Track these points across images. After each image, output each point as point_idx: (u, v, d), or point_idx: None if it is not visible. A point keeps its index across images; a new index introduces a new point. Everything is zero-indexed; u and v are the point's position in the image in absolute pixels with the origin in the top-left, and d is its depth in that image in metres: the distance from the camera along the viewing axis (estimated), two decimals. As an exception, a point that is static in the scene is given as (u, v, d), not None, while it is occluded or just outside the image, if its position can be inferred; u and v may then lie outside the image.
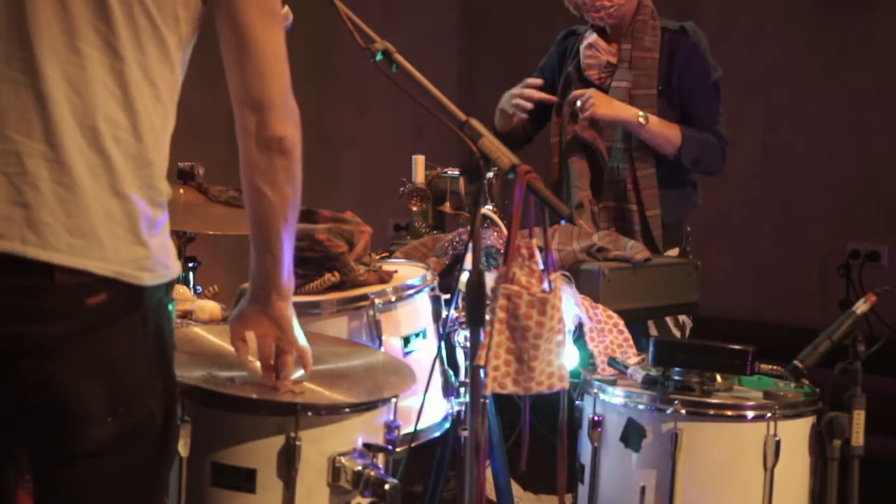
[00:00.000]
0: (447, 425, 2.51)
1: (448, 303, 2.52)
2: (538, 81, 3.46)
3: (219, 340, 2.12)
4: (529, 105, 3.40)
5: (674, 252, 3.40)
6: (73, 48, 1.61)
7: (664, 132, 3.27)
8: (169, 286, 1.73)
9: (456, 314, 2.52)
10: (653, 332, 3.27)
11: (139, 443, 1.70)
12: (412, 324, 2.47)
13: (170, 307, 1.74)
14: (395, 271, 2.59)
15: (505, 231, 2.68)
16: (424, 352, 2.47)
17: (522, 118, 3.44)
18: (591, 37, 3.44)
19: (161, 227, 1.70)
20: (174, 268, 1.73)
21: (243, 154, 1.80)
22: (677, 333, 3.32)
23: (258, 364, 2.00)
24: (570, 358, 2.44)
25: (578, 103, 3.26)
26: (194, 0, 1.70)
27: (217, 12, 1.75)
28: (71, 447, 1.65)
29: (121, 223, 1.63)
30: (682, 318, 3.34)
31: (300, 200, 1.85)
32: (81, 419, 1.64)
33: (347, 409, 1.98)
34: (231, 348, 2.00)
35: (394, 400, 2.07)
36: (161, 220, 1.70)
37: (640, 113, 3.24)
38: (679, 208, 3.42)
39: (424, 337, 2.49)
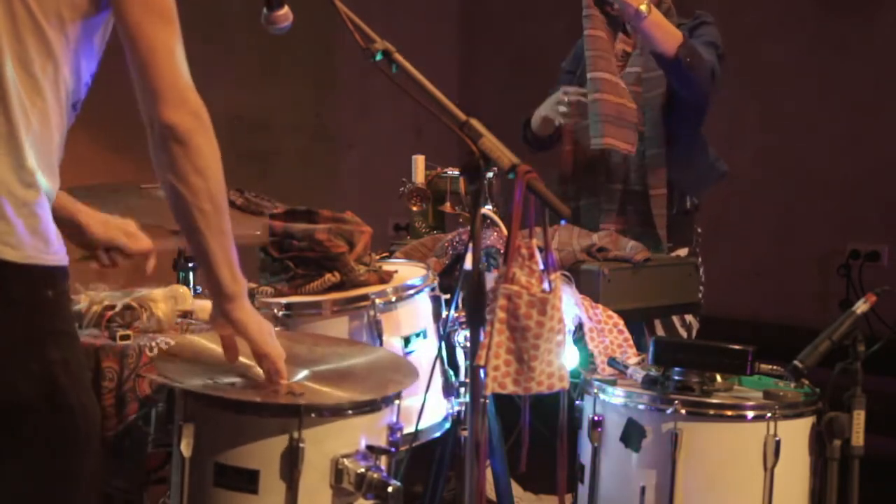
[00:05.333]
0: (447, 425, 2.52)
1: (448, 303, 2.52)
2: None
3: (218, 347, 2.12)
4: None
5: (683, 252, 3.40)
6: None
7: (667, 26, 3.20)
8: (50, 274, 1.73)
9: (456, 314, 2.52)
10: (659, 332, 3.28)
11: (13, 427, 1.70)
12: (412, 324, 2.47)
13: (49, 293, 1.73)
14: (396, 271, 2.59)
15: (505, 231, 2.69)
16: (425, 352, 2.47)
17: (570, 121, 3.40)
18: None
19: (36, 208, 1.72)
20: (56, 258, 1.74)
21: (151, 155, 1.82)
22: (684, 334, 3.33)
23: (259, 369, 2.00)
24: (570, 358, 2.44)
25: None
26: (82, 3, 1.75)
27: (114, 18, 1.80)
28: None
29: None
30: (688, 318, 3.35)
31: (220, 194, 1.84)
32: None
33: (350, 411, 1.98)
34: None
35: (397, 402, 2.07)
36: (35, 202, 1.72)
37: (647, 3, 3.15)
38: (696, 184, 3.43)
39: (425, 337, 2.49)
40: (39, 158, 1.74)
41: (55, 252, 1.75)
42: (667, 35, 3.18)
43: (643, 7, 3.13)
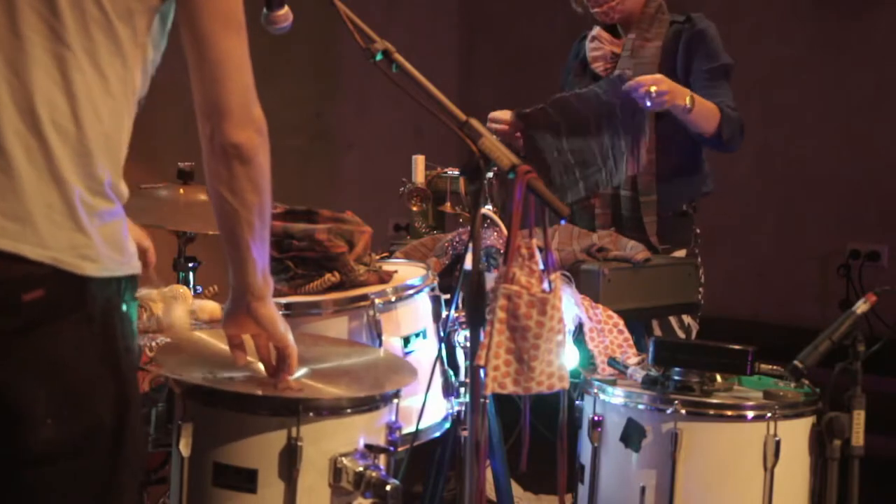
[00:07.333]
0: (447, 425, 2.52)
1: (448, 303, 2.52)
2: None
3: (220, 343, 2.13)
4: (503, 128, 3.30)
5: (681, 253, 3.39)
6: (14, 31, 1.59)
7: (707, 110, 3.22)
8: (123, 284, 1.66)
9: (456, 314, 2.52)
10: (657, 334, 3.27)
11: (90, 448, 1.63)
12: (412, 324, 2.47)
13: (124, 307, 1.66)
14: (395, 271, 2.59)
15: (505, 231, 2.69)
16: (424, 352, 2.47)
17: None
18: (595, 30, 3.46)
19: (108, 218, 1.65)
20: (129, 265, 1.67)
21: (205, 162, 1.79)
22: (682, 336, 3.32)
23: (259, 365, 2.00)
24: (570, 358, 2.44)
25: (652, 89, 3.09)
26: None
27: (179, 18, 1.73)
28: (16, 451, 1.59)
29: (58, 209, 1.59)
30: (687, 320, 3.34)
31: (268, 206, 1.83)
32: (23, 422, 1.58)
33: (349, 410, 1.98)
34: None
35: (395, 401, 2.07)
36: (107, 211, 1.65)
37: (689, 95, 3.17)
38: (682, 196, 3.41)
39: (424, 337, 2.49)
40: (111, 163, 1.66)
41: (128, 260, 1.68)
42: (708, 116, 3.23)
43: (688, 101, 3.16)
